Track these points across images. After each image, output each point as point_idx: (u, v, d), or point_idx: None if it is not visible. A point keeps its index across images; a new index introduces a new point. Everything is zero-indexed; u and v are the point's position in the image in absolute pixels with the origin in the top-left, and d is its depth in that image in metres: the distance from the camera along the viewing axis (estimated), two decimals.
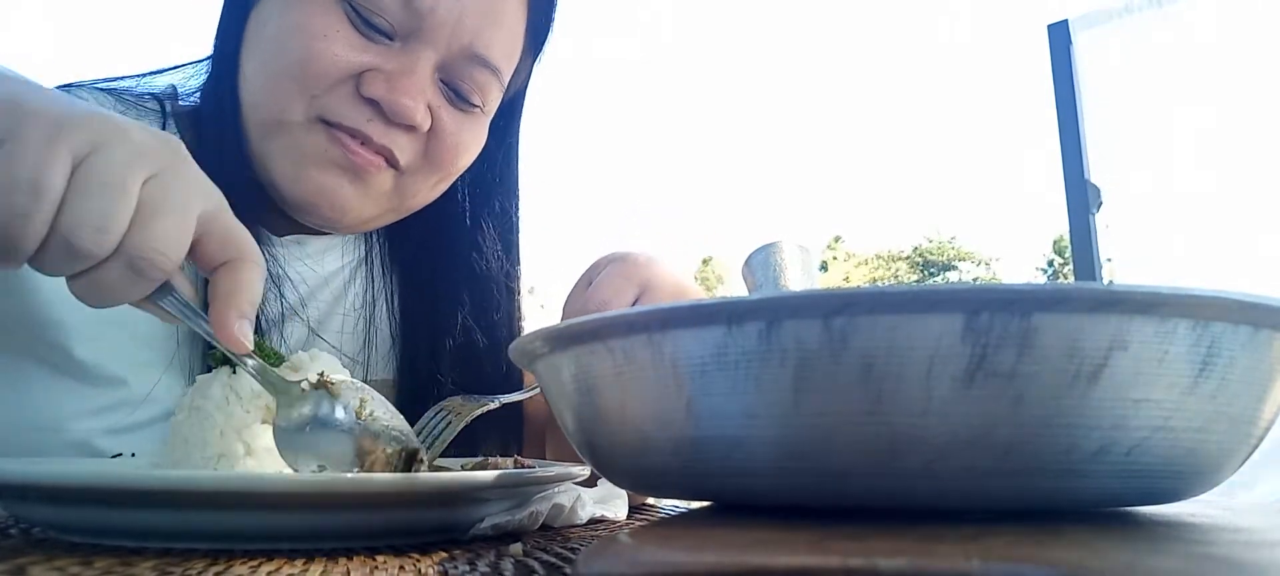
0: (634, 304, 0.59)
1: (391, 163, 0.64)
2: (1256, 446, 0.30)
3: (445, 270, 0.77)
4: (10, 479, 0.37)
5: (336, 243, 0.76)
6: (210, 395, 0.44)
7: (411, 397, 0.74)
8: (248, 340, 0.41)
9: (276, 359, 0.46)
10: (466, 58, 0.64)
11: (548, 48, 0.75)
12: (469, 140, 0.68)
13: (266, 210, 0.69)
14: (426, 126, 0.64)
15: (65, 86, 0.67)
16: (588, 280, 0.61)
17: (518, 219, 0.81)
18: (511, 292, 0.79)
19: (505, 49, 0.67)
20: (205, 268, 0.42)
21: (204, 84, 0.70)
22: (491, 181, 0.78)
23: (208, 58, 0.69)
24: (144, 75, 0.72)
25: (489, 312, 0.77)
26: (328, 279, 0.75)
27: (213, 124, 0.67)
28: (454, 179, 0.71)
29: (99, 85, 0.69)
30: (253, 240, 0.43)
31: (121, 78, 0.71)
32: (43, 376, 0.62)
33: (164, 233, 0.38)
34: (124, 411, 0.63)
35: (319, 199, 0.64)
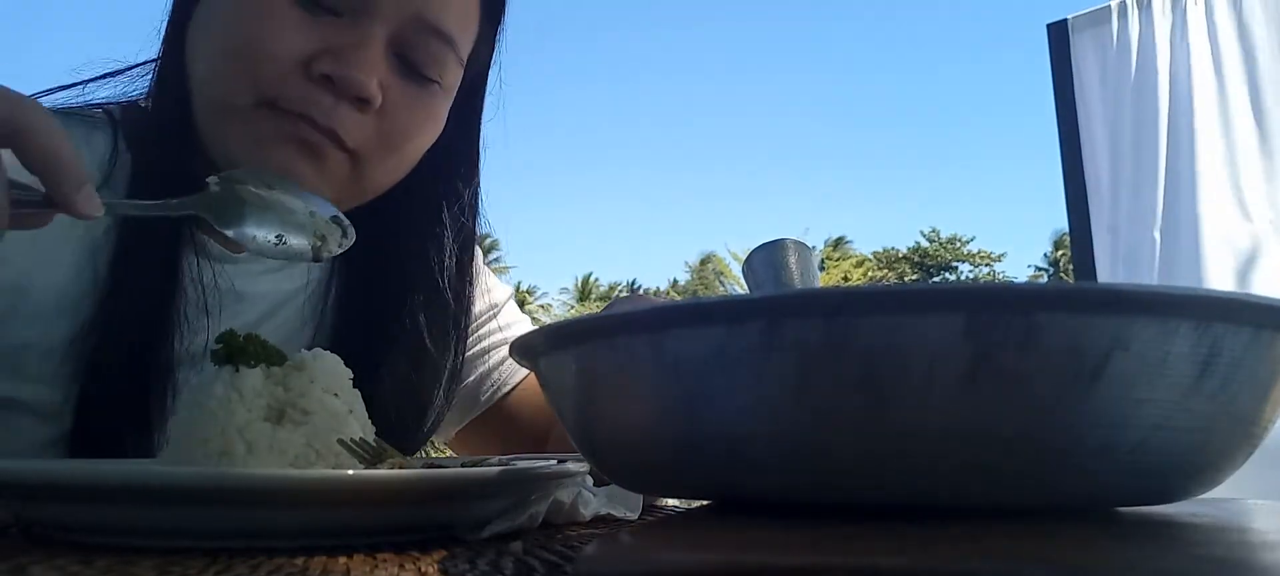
0: None
1: (339, 144, 0.61)
2: (1257, 446, 0.30)
3: (398, 275, 0.73)
4: (10, 478, 0.37)
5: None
6: (212, 393, 0.44)
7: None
8: (96, 203, 0.44)
9: (279, 358, 0.46)
10: (419, 28, 0.62)
11: (506, 17, 0.71)
12: (423, 118, 0.65)
13: None
14: (378, 101, 0.61)
15: None
16: None
17: (479, 205, 0.76)
18: (460, 312, 0.75)
19: (458, 17, 0.64)
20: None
21: (151, 86, 0.67)
22: (453, 166, 0.74)
23: (152, 61, 0.67)
24: (86, 82, 0.68)
25: (437, 330, 0.73)
26: (294, 294, 0.72)
27: (164, 123, 0.64)
28: (413, 162, 0.68)
29: (40, 99, 0.67)
30: (21, 106, 0.43)
31: (62, 88, 0.67)
32: None
33: None
34: None
35: None
